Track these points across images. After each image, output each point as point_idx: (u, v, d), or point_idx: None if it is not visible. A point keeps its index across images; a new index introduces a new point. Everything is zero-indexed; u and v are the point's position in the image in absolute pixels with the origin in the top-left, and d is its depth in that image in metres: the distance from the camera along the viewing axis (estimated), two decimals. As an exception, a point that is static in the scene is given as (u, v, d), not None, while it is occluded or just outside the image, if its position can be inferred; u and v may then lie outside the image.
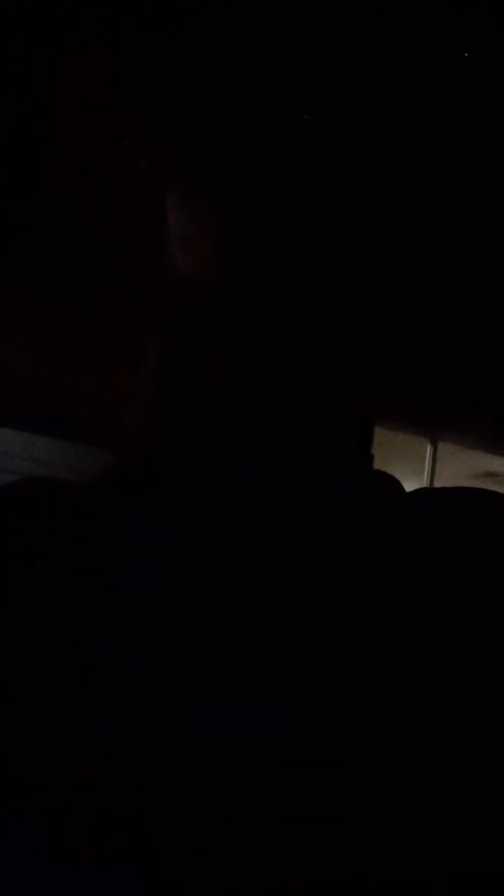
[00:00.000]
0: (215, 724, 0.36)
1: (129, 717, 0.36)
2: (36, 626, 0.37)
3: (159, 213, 0.41)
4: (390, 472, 0.44)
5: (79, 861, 0.34)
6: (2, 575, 0.38)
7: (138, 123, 0.42)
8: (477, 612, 0.38)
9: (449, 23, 0.39)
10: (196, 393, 0.43)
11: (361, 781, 0.35)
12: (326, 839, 0.35)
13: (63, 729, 0.36)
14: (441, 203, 0.40)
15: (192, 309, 0.42)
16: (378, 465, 0.45)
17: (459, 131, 0.40)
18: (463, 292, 0.45)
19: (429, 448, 1.73)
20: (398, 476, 0.46)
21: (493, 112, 0.39)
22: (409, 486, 0.45)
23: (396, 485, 0.44)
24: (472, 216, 0.41)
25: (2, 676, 0.36)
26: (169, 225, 0.41)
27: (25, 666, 0.36)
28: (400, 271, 0.41)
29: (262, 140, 0.39)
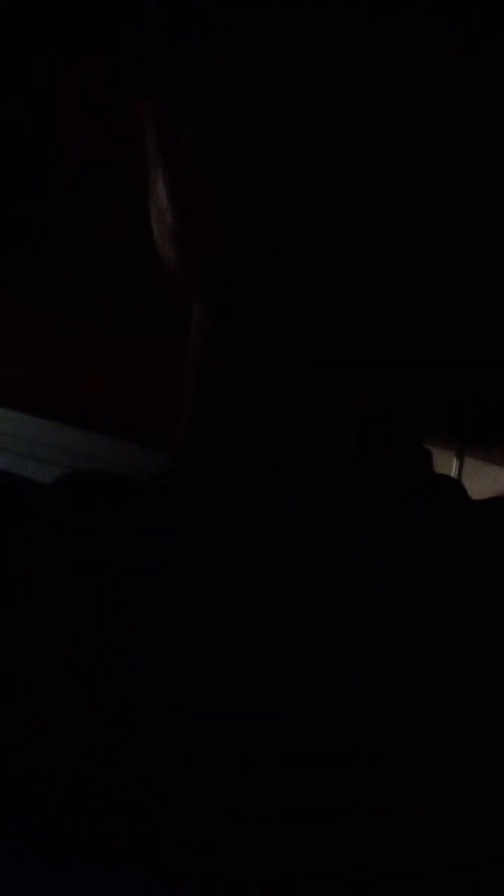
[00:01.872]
0: (217, 720, 0.36)
1: (131, 713, 0.36)
2: (45, 620, 0.37)
3: (159, 212, 0.42)
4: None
5: (80, 857, 0.34)
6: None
7: (138, 122, 0.42)
8: (478, 608, 0.38)
9: (449, 23, 0.38)
10: (196, 392, 0.43)
11: (363, 779, 0.35)
12: (328, 837, 0.34)
13: (65, 724, 0.35)
14: (449, 194, 0.40)
15: (192, 308, 0.43)
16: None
17: (458, 132, 0.39)
18: (480, 301, 0.44)
19: (455, 462, 1.73)
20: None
21: (494, 113, 0.39)
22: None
23: (461, 490, 0.43)
24: (482, 211, 0.40)
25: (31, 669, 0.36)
26: (169, 224, 0.41)
27: (37, 660, 0.36)
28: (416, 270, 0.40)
29: (261, 139, 0.38)
